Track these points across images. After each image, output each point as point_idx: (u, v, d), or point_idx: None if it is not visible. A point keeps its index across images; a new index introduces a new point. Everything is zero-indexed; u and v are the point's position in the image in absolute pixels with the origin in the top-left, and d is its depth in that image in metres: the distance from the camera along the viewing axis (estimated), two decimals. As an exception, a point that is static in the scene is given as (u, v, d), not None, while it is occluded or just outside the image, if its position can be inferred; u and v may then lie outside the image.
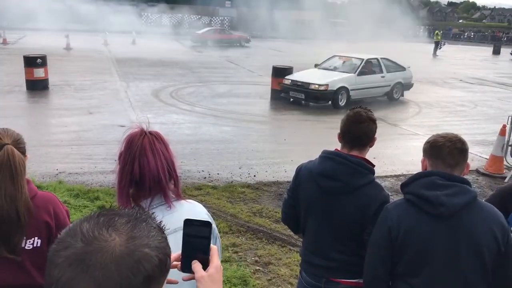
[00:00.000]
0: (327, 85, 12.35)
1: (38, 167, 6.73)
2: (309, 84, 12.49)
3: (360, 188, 2.36)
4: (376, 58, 13.95)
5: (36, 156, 7.04)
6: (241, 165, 7.59)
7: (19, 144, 1.99)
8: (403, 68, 14.48)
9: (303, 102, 12.95)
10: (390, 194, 6.82)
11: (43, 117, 10.63)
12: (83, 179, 6.66)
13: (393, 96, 14.07)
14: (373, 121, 2.45)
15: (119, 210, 0.87)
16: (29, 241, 1.98)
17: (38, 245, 1.99)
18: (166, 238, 0.88)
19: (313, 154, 2.72)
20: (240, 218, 5.55)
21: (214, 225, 1.88)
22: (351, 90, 12.71)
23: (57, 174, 6.72)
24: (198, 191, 6.32)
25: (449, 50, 34.55)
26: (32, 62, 12.96)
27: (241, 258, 4.67)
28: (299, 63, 17.06)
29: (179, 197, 1.83)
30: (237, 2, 47.28)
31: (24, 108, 11.46)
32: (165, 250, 0.84)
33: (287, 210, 2.71)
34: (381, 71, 13.70)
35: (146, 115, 10.69)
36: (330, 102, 12.59)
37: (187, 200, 1.88)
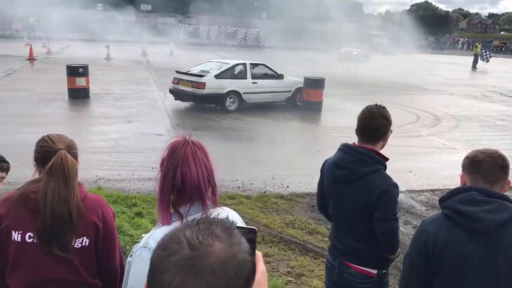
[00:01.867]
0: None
1: (78, 173, 6.96)
2: None
3: (364, 176, 2.55)
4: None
5: (79, 163, 7.29)
6: (274, 176, 7.64)
7: (71, 149, 2.15)
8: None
9: None
10: (425, 208, 6.75)
11: (83, 125, 11.00)
12: (121, 185, 6.85)
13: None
14: (384, 117, 2.63)
15: (214, 218, 0.93)
16: (78, 240, 2.09)
17: (87, 244, 2.10)
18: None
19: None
20: (273, 229, 5.59)
21: None
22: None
23: (96, 180, 6.94)
24: (232, 200, 6.40)
25: (489, 62, 33.61)
26: (74, 71, 13.46)
27: (273, 268, 4.70)
28: (331, 74, 17.03)
29: (216, 205, 1.90)
30: (272, 14, 47.65)
31: (66, 116, 11.89)
32: (253, 255, 0.91)
33: (318, 199, 3.08)
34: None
35: (183, 124, 10.92)
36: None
37: (223, 207, 1.95)
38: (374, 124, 2.61)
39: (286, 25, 44.34)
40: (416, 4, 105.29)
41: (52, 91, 14.27)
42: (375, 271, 2.61)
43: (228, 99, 12.79)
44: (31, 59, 22.89)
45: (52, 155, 2.05)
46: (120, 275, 2.22)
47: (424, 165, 8.57)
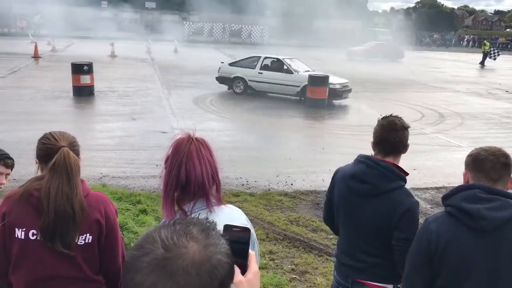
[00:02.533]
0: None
1: (83, 170, 6.85)
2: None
3: (387, 193, 2.43)
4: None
5: (82, 160, 7.30)
6: (279, 173, 7.63)
7: (74, 146, 2.16)
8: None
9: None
10: (430, 206, 6.72)
11: (88, 123, 11.02)
12: (125, 183, 6.87)
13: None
14: (406, 129, 2.52)
15: (191, 219, 0.93)
16: (81, 237, 2.10)
17: (90, 241, 2.11)
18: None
19: (351, 164, 2.76)
20: (277, 226, 5.59)
21: (252, 231, 1.94)
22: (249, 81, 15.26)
23: (101, 178, 6.96)
24: (236, 198, 6.40)
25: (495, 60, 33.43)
26: (79, 69, 13.48)
27: (277, 265, 4.70)
28: (338, 73, 17.00)
29: (220, 202, 1.90)
30: (277, 11, 47.55)
31: (71, 114, 11.92)
32: (231, 256, 0.90)
33: (325, 210, 2.89)
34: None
35: (187, 122, 10.92)
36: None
37: (227, 205, 1.94)
38: (397, 136, 2.48)
39: (291, 22, 44.26)
40: (421, 1, 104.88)
41: (57, 89, 14.31)
42: (390, 286, 2.52)
43: (235, 82, 15.49)
44: (36, 56, 22.96)
45: (55, 153, 2.05)
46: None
47: (428, 163, 8.54)
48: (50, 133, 2.17)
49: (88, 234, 2.10)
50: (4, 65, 19.52)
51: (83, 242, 2.10)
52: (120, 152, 8.42)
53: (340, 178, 2.63)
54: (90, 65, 13.69)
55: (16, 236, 2.03)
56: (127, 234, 4.89)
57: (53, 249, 2.03)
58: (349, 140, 9.94)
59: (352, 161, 2.66)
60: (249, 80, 15.31)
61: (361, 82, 19.49)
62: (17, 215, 2.03)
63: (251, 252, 1.12)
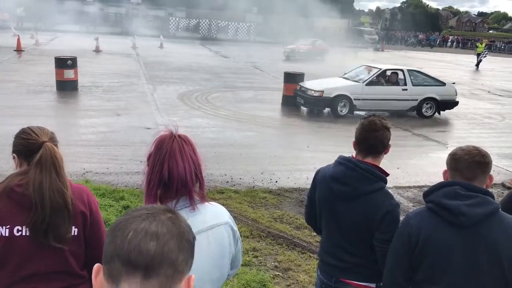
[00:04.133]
0: (322, 91, 12.36)
1: (65, 165, 6.90)
2: (307, 89, 12.66)
3: (368, 194, 2.43)
4: (402, 70, 13.29)
5: (64, 155, 7.21)
6: (263, 171, 7.65)
7: (54, 141, 2.15)
8: (441, 83, 13.52)
9: (301, 106, 13.10)
10: (412, 205, 6.80)
11: (72, 118, 10.90)
12: (109, 179, 6.82)
13: (422, 112, 13.10)
14: (387, 129, 2.51)
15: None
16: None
17: (76, 233, 2.11)
18: None
19: (335, 163, 2.77)
20: (261, 223, 5.60)
21: (235, 228, 1.94)
22: (354, 99, 12.44)
23: (84, 174, 6.90)
24: (220, 195, 6.40)
25: (476, 61, 33.87)
26: (62, 63, 13.32)
27: (261, 262, 4.72)
28: (327, 71, 17.06)
29: (203, 199, 1.89)
30: (263, 9, 47.52)
31: (54, 108, 11.78)
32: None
33: (307, 210, 2.89)
34: (405, 84, 12.94)
35: (171, 118, 10.87)
36: (328, 109, 12.61)
37: (211, 202, 1.94)
38: (377, 136, 2.46)
39: (276, 20, 44.27)
40: (407, 1, 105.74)
41: (40, 83, 14.12)
42: (373, 285, 2.53)
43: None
44: (19, 50, 22.59)
45: (37, 148, 2.04)
46: None
47: (411, 162, 8.64)
48: (29, 127, 2.14)
49: (73, 227, 2.10)
50: (-15, 58, 19.18)
51: (70, 235, 2.10)
52: (103, 148, 8.35)
53: (321, 179, 2.63)
54: (74, 60, 13.53)
55: (1, 234, 1.99)
56: (110, 230, 4.86)
57: (39, 244, 2.01)
58: (331, 139, 10.01)
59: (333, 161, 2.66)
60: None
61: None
62: (0, 212, 2.00)
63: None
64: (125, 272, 0.91)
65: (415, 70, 13.87)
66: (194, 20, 45.32)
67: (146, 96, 13.55)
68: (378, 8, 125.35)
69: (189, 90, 15.09)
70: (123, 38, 32.73)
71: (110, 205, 5.60)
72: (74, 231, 2.10)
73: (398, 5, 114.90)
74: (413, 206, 6.51)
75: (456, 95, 13.74)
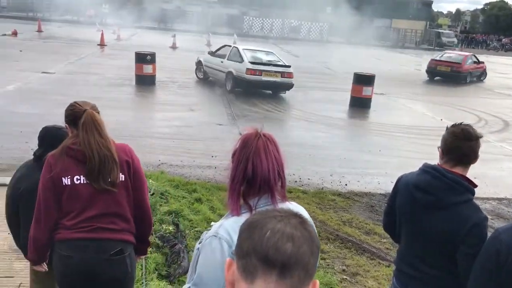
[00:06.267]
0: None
1: (143, 156, 7.18)
2: None
3: (453, 206, 2.32)
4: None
5: (141, 146, 7.57)
6: (333, 173, 7.57)
7: (96, 109, 2.59)
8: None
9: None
10: (491, 217, 6.44)
11: (149, 111, 11.38)
12: (182, 171, 7.05)
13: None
14: (479, 139, 2.41)
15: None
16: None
17: (123, 179, 2.55)
18: None
19: (410, 170, 2.69)
20: (329, 226, 5.56)
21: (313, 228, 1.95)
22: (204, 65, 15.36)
23: (159, 165, 7.19)
24: (288, 194, 6.30)
25: None
26: (142, 58, 13.91)
27: (328, 265, 4.68)
28: (399, 73, 16.55)
29: (284, 198, 1.92)
30: (338, 9, 46.88)
31: (133, 101, 12.35)
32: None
33: (385, 217, 2.82)
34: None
35: (242, 115, 11.04)
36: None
37: (291, 202, 1.96)
38: (471, 146, 2.35)
39: (351, 20, 43.51)
40: (490, 3, 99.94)
41: (121, 77, 14.84)
42: None
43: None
44: (102, 44, 23.89)
45: (81, 115, 2.49)
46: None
47: (491, 172, 8.19)
48: (75, 101, 2.63)
49: (121, 174, 2.53)
50: (72, 51, 20.47)
51: (119, 181, 2.53)
52: (178, 141, 8.64)
53: (404, 187, 2.54)
54: (153, 55, 14.09)
55: (64, 184, 2.45)
56: (182, 221, 5.03)
57: (97, 189, 2.46)
58: (405, 143, 9.69)
59: (409, 167, 2.57)
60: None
61: (422, 84, 18.92)
62: (61, 166, 2.45)
63: None
64: (262, 269, 0.94)
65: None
66: (267, 19, 45.62)
67: (219, 93, 13.83)
68: (458, 10, 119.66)
69: (261, 88, 15.20)
70: (198, 36, 33.59)
71: (183, 197, 5.79)
72: (121, 177, 2.53)
73: (480, 7, 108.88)
74: (491, 218, 6.17)
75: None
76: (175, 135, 8.99)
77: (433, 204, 2.37)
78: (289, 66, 14.01)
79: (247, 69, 13.35)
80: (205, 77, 15.63)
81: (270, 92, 14.22)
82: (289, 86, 13.88)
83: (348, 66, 23.68)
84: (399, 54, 35.07)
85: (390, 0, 47.39)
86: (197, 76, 15.72)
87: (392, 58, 31.41)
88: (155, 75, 14.21)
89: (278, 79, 13.64)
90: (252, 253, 0.95)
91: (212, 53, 15.71)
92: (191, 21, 42.26)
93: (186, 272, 4.06)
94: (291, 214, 1.01)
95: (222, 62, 14.46)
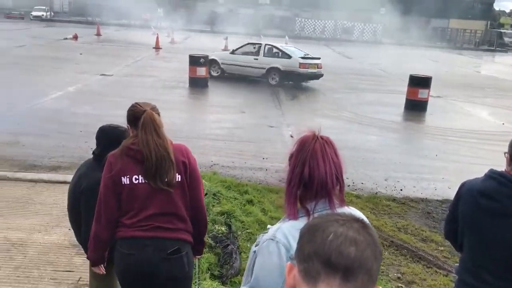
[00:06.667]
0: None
1: (196, 157, 7.31)
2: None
3: None
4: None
5: (194, 147, 7.63)
6: (387, 177, 7.38)
7: (155, 110, 2.64)
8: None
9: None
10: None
11: (201, 113, 11.57)
12: (234, 172, 7.10)
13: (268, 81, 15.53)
14: None
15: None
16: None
17: (179, 179, 2.57)
18: None
19: (469, 176, 2.56)
20: (384, 232, 5.41)
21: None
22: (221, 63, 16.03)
23: (211, 166, 7.27)
24: (341, 198, 6.29)
25: None
26: (196, 61, 14.19)
27: (382, 272, 4.55)
28: (457, 75, 15.94)
29: (342, 203, 1.86)
30: (392, 9, 45.82)
31: (186, 103, 12.60)
32: None
33: (446, 225, 2.69)
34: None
35: (294, 118, 11.00)
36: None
37: (350, 207, 1.90)
38: None
39: (405, 21, 42.42)
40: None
41: (175, 79, 15.19)
42: None
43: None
44: (157, 47, 24.56)
45: (141, 116, 2.54)
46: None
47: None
48: (136, 102, 2.69)
49: (177, 174, 2.55)
50: (129, 54, 21.19)
51: (175, 181, 2.56)
52: (229, 142, 8.71)
53: (467, 193, 2.41)
54: (206, 58, 14.34)
55: (123, 183, 2.50)
56: (234, 222, 5.05)
57: (154, 189, 2.49)
58: (465, 148, 9.30)
59: (468, 173, 2.44)
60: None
61: (481, 87, 18.15)
62: (121, 166, 2.50)
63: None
64: (324, 272, 0.92)
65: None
66: (319, 20, 45.31)
67: (270, 96, 13.86)
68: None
69: (312, 90, 15.12)
70: (249, 38, 33.86)
71: (235, 198, 5.81)
72: (178, 177, 2.55)
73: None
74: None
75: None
76: (227, 137, 9.07)
77: (499, 211, 2.25)
78: (320, 58, 16.12)
79: (300, 63, 15.16)
80: (221, 74, 16.26)
81: (305, 83, 16.12)
82: (321, 76, 15.87)
83: (402, 67, 23.12)
84: (456, 56, 33.79)
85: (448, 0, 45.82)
86: (210, 74, 15.78)
87: (449, 60, 30.35)
88: (207, 77, 14.44)
89: (316, 70, 15.63)
90: (314, 256, 0.94)
91: (233, 52, 16.47)
92: (242, 23, 42.64)
93: (238, 274, 4.07)
94: (353, 218, 1.00)
95: (256, 59, 15.73)
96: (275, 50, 16.05)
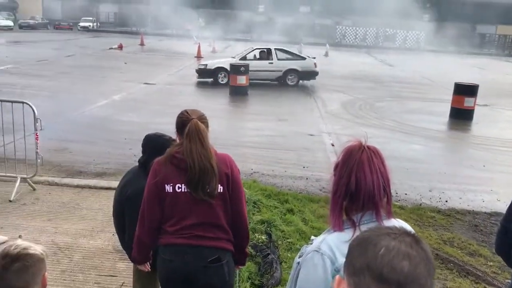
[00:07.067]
0: (206, 65, 16.73)
1: (237, 163, 7.37)
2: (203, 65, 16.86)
3: None
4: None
5: (235, 155, 7.56)
6: (432, 188, 7.16)
7: (203, 119, 2.61)
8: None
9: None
10: None
11: (241, 121, 11.63)
12: (274, 181, 7.07)
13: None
14: None
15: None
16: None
17: (221, 190, 2.54)
18: None
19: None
20: (429, 244, 5.22)
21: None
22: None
23: (251, 173, 7.27)
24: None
25: None
26: (236, 69, 14.31)
27: (427, 286, 4.40)
28: (505, 83, 15.36)
29: (390, 215, 1.80)
30: (435, 16, 44.76)
31: (227, 111, 12.72)
32: None
33: (498, 239, 2.60)
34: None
35: (334, 126, 10.88)
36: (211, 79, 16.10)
37: (398, 220, 1.84)
38: None
39: (450, 28, 41.34)
40: None
41: (216, 87, 15.35)
42: None
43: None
44: (198, 56, 24.95)
45: (187, 124, 2.54)
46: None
47: None
48: (185, 110, 2.68)
49: (219, 185, 2.53)
50: (172, 63, 21.63)
51: (217, 192, 2.54)
52: (269, 150, 8.70)
53: None
54: (246, 67, 14.43)
55: (166, 190, 2.51)
56: (275, 231, 5.02)
57: (196, 198, 2.49)
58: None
59: None
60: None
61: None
62: (165, 173, 2.51)
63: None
64: (376, 287, 0.90)
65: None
66: (360, 28, 44.84)
67: (310, 103, 13.79)
68: None
69: (353, 98, 14.95)
70: (290, 46, 33.86)
71: (275, 207, 5.78)
72: (220, 188, 2.53)
73: None
74: None
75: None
76: (267, 145, 9.07)
77: None
78: (315, 58, 17.95)
79: (315, 63, 17.08)
80: (228, 82, 15.97)
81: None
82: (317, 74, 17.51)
83: (447, 75, 22.51)
84: (504, 63, 32.61)
85: (496, 5, 44.32)
86: (218, 82, 16.21)
87: (496, 67, 29.32)
88: (247, 86, 14.53)
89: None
90: (365, 270, 0.92)
91: (243, 58, 16.71)
92: (283, 32, 42.72)
93: (278, 283, 4.04)
94: (405, 232, 0.98)
95: (271, 63, 16.70)
96: (285, 53, 17.33)
